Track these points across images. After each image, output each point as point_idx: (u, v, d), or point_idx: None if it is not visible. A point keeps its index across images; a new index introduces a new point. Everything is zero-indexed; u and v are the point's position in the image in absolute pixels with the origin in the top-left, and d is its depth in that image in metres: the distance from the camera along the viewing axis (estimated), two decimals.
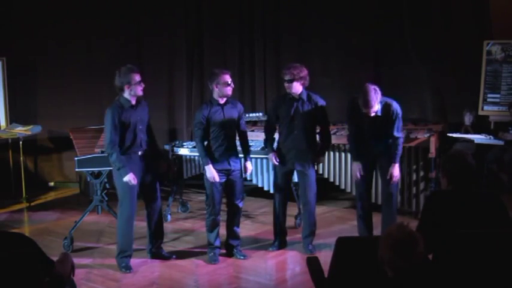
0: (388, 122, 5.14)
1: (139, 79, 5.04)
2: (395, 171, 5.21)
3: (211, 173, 5.18)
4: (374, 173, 5.55)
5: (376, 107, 5.02)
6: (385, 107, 5.12)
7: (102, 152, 6.23)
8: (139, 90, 5.04)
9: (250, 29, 8.41)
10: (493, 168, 7.18)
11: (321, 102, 5.40)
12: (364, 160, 5.30)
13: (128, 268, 5.16)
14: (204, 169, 5.26)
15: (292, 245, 5.67)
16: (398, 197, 5.45)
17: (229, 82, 5.14)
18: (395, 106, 5.15)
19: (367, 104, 4.97)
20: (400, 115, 5.18)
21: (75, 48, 8.38)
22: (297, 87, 5.26)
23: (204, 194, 5.49)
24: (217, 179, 5.18)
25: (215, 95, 5.19)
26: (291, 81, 5.22)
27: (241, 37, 8.44)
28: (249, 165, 5.42)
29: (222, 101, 5.19)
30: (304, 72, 5.26)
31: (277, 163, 5.38)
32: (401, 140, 5.24)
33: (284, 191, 5.56)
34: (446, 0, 7.76)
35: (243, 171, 5.39)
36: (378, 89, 5.01)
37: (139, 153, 5.12)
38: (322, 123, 5.49)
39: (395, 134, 5.18)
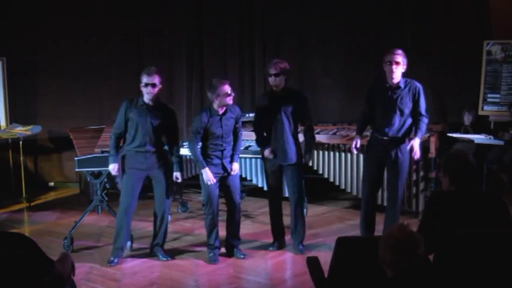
0: (411, 99, 5.11)
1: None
2: (416, 145, 5.09)
3: (207, 176, 5.20)
4: (383, 176, 5.49)
5: (399, 59, 4.99)
6: (408, 83, 5.14)
7: (102, 152, 6.24)
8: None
9: (250, 29, 8.41)
10: (493, 168, 7.18)
11: (303, 97, 5.42)
12: (376, 157, 5.26)
13: (110, 262, 5.26)
14: (200, 172, 5.29)
15: (292, 246, 5.66)
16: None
17: (229, 92, 5.13)
18: (419, 85, 5.16)
19: (392, 50, 5.01)
20: (423, 94, 5.15)
21: (75, 48, 8.38)
22: (282, 82, 5.30)
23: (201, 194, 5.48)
24: (214, 181, 5.21)
25: (215, 105, 5.19)
26: (277, 75, 5.25)
27: (241, 37, 8.44)
28: (235, 166, 5.34)
29: (222, 110, 5.20)
30: (287, 66, 5.32)
31: (272, 155, 5.34)
32: (425, 120, 5.16)
33: (276, 190, 5.56)
34: (447, 0, 7.77)
35: (231, 172, 5.32)
36: (406, 56, 5.07)
37: None
38: (305, 119, 5.44)
39: (422, 111, 5.13)
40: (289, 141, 5.35)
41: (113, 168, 5.27)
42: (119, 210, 5.33)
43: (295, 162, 5.39)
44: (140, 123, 5.15)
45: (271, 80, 5.33)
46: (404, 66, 5.08)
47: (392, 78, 5.07)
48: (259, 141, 5.51)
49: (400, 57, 5.03)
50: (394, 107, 5.11)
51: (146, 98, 5.16)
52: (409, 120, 5.16)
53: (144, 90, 5.12)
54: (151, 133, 5.17)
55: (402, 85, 5.11)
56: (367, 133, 5.55)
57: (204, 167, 5.20)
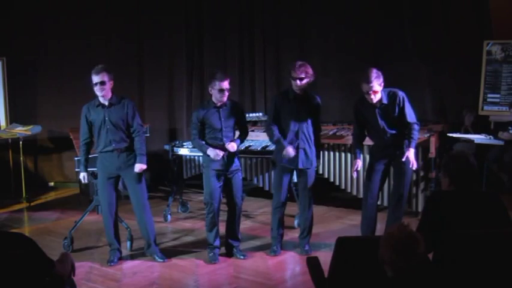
0: (397, 111, 5.10)
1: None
2: (411, 156, 5.05)
3: (213, 151, 5.16)
4: (387, 175, 5.49)
5: (376, 87, 4.97)
6: (391, 96, 5.12)
7: None
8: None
9: (250, 29, 8.42)
10: (493, 168, 7.18)
11: (318, 100, 5.40)
12: (378, 161, 5.25)
13: (110, 261, 5.30)
14: (203, 160, 5.28)
15: (292, 245, 5.66)
16: None
17: (225, 89, 5.12)
18: (401, 94, 5.14)
19: (367, 79, 4.96)
20: (407, 101, 5.13)
21: (75, 48, 8.39)
22: (306, 86, 5.26)
23: (203, 193, 5.48)
24: (221, 154, 5.17)
25: (213, 97, 5.20)
26: (302, 79, 5.20)
27: (241, 37, 8.44)
28: (233, 143, 5.22)
29: (219, 103, 5.20)
30: (311, 70, 5.27)
31: (294, 153, 5.23)
32: (416, 127, 5.14)
33: (285, 194, 5.46)
34: (446, 0, 7.77)
35: (228, 147, 5.22)
36: (380, 73, 5.02)
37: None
38: (316, 122, 5.42)
39: (409, 120, 5.11)
40: (310, 145, 5.33)
41: (83, 176, 5.35)
42: (102, 213, 5.39)
43: (311, 166, 5.38)
44: (100, 124, 5.18)
45: (296, 83, 5.22)
46: (382, 84, 5.04)
47: (373, 102, 5.08)
48: (277, 140, 5.33)
49: (377, 84, 4.98)
50: (383, 124, 5.12)
51: (100, 98, 5.18)
52: (404, 126, 5.15)
53: (95, 89, 5.14)
54: (113, 131, 5.18)
55: (385, 101, 5.10)
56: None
57: (207, 148, 5.19)
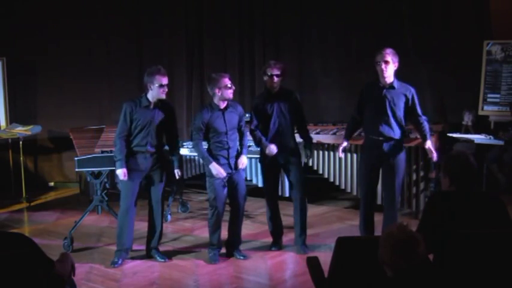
0: (403, 101, 5.07)
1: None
2: (432, 147, 5.09)
3: (216, 169, 5.15)
4: (380, 173, 5.50)
5: (388, 58, 4.96)
6: (402, 85, 5.11)
7: (102, 152, 6.23)
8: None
9: (250, 29, 8.42)
10: (493, 168, 7.18)
11: (296, 94, 5.48)
12: (371, 159, 5.23)
13: (114, 263, 5.26)
14: (207, 169, 5.23)
15: (292, 245, 5.66)
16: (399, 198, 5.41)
17: (230, 85, 5.13)
18: (413, 89, 5.13)
19: (382, 50, 4.98)
20: (417, 97, 5.13)
21: (75, 48, 8.39)
22: (279, 82, 5.34)
23: (204, 193, 5.49)
24: (223, 174, 5.17)
25: (216, 100, 5.16)
26: (278, 76, 5.28)
27: (241, 37, 8.44)
28: (244, 159, 5.31)
29: (223, 105, 5.17)
30: (285, 68, 5.40)
31: (276, 150, 5.33)
32: (425, 118, 5.17)
33: (275, 190, 5.62)
34: (446, 0, 7.77)
35: (239, 166, 5.28)
36: (397, 55, 5.03)
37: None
38: (301, 118, 5.50)
39: (421, 113, 5.14)
40: (290, 140, 5.39)
41: (122, 173, 5.13)
42: (119, 211, 5.33)
43: (297, 160, 5.42)
44: (145, 124, 5.12)
45: (273, 80, 5.29)
46: (396, 64, 5.02)
47: (384, 78, 5.02)
48: (259, 140, 5.44)
49: (390, 56, 4.98)
50: (386, 107, 5.06)
51: (157, 98, 5.11)
52: (403, 122, 5.12)
53: (159, 90, 5.07)
54: (153, 134, 5.15)
55: (396, 85, 5.07)
56: (362, 133, 5.56)
57: (210, 162, 5.16)
